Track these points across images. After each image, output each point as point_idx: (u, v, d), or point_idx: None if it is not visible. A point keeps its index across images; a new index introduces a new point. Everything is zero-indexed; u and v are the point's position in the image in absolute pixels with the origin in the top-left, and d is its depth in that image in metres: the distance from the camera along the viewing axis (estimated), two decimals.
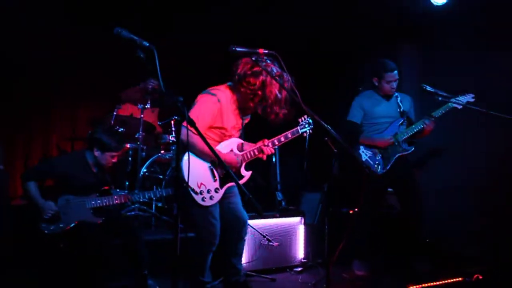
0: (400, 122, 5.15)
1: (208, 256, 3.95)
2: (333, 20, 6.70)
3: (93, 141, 4.47)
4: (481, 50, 5.64)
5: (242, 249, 4.19)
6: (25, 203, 4.41)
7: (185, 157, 3.63)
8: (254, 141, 4.05)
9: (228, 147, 3.93)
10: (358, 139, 5.16)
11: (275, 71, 3.72)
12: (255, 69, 3.73)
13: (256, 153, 3.94)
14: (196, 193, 3.75)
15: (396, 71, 5.08)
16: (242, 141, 4.02)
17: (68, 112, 6.87)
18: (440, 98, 4.83)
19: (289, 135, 4.01)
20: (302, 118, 4.04)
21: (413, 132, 5.04)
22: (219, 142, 3.91)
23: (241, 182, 3.94)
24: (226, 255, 4.11)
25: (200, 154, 3.77)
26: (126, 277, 4.41)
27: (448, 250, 5.49)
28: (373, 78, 5.21)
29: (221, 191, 3.88)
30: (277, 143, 3.97)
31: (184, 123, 3.13)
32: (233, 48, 3.56)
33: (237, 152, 3.94)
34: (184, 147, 3.59)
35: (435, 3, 5.69)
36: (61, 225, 4.23)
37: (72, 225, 4.26)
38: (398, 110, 5.19)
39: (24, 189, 4.28)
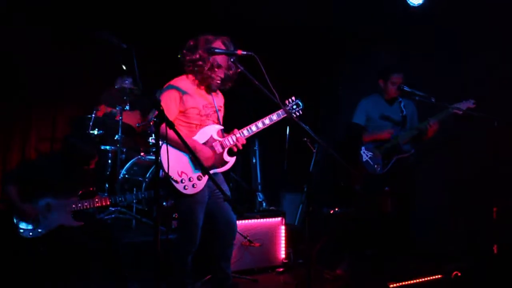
0: (402, 126, 5.20)
1: (189, 256, 3.91)
2: (309, 22, 6.74)
3: (66, 148, 4.44)
4: (457, 50, 5.73)
5: (231, 252, 4.14)
6: (3, 207, 4.34)
7: (163, 147, 3.58)
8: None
9: (208, 133, 3.92)
10: (362, 141, 5.22)
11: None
12: (191, 43, 3.86)
13: (235, 140, 3.94)
14: (176, 181, 3.73)
15: (402, 74, 5.15)
16: (221, 127, 4.00)
17: (47, 113, 6.76)
18: (417, 98, 4.91)
19: (274, 117, 3.95)
20: (289, 100, 4.02)
21: (415, 133, 5.07)
22: (198, 126, 3.91)
23: (226, 167, 3.94)
24: (215, 259, 4.06)
25: (178, 146, 3.78)
26: (105, 280, 4.37)
27: (427, 247, 5.55)
28: (379, 80, 5.27)
29: (204, 179, 3.83)
30: (254, 129, 3.95)
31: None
32: (212, 49, 3.64)
33: (217, 137, 3.93)
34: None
35: (411, 4, 5.74)
36: (40, 230, 4.17)
37: (52, 229, 4.21)
38: (401, 114, 5.24)
39: (3, 193, 4.22)
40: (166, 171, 3.55)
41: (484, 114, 4.72)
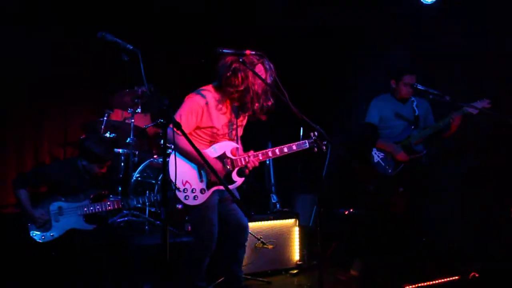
0: (413, 127, 5.14)
1: (204, 261, 3.88)
2: (325, 21, 6.70)
3: (81, 151, 4.44)
4: (470, 49, 5.64)
5: (243, 256, 4.09)
6: (18, 211, 4.36)
7: (172, 155, 3.60)
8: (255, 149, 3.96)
9: (221, 149, 3.84)
10: (375, 141, 5.16)
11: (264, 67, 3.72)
12: (234, 66, 3.68)
13: (247, 161, 3.85)
14: (178, 190, 3.68)
15: (415, 75, 5.09)
16: (237, 145, 3.91)
17: (60, 118, 6.81)
18: (431, 96, 4.85)
19: (294, 147, 3.89)
20: (313, 133, 3.88)
21: (430, 132, 5.01)
22: (212, 142, 3.83)
23: (231, 187, 3.83)
24: (226, 262, 4.02)
25: (186, 157, 3.73)
26: (117, 283, 4.37)
27: (444, 248, 5.46)
28: (391, 81, 5.22)
29: (207, 193, 3.77)
30: (270, 155, 3.86)
31: (170, 125, 3.13)
32: (220, 50, 3.57)
33: (230, 155, 3.86)
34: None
35: (424, 2, 5.67)
36: (52, 234, 4.20)
37: (64, 233, 4.22)
38: (414, 114, 5.19)
39: (15, 197, 4.24)
40: (171, 176, 3.50)
41: (498, 113, 4.63)
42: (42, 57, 6.20)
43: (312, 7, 6.54)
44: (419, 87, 4.88)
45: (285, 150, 3.89)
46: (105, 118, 5.99)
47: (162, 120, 2.80)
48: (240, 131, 3.99)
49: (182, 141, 3.58)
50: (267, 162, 6.74)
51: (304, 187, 6.77)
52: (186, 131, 3.62)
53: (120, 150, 6.09)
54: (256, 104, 3.75)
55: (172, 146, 3.64)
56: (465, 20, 5.68)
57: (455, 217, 5.73)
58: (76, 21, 6.34)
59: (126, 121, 6.18)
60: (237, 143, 3.93)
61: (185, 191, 3.71)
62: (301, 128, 6.26)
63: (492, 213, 5.33)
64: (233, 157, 3.85)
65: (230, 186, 3.80)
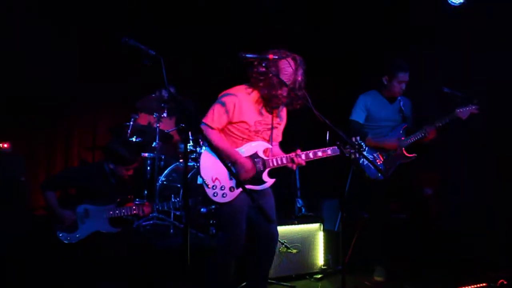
0: (403, 127, 5.07)
1: (230, 265, 3.83)
2: (344, 21, 6.66)
3: (108, 154, 4.50)
4: (497, 50, 5.54)
5: (270, 266, 4.03)
6: (46, 213, 4.45)
7: (204, 151, 3.76)
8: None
9: (253, 149, 3.84)
10: (363, 140, 5.09)
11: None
12: (260, 69, 3.73)
13: (284, 162, 3.82)
14: (207, 186, 3.71)
15: (408, 73, 5.01)
16: (269, 146, 3.90)
17: (88, 122, 6.95)
18: (458, 100, 4.79)
19: (329, 152, 3.84)
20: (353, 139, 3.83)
21: (416, 139, 4.95)
22: (245, 140, 3.83)
23: (262, 187, 3.83)
24: (252, 269, 3.96)
25: (217, 153, 3.63)
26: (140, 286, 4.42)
27: (472, 254, 5.36)
28: (383, 77, 5.10)
29: (236, 191, 3.75)
30: (311, 156, 3.82)
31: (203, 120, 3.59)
32: (243, 55, 3.59)
33: (262, 156, 3.85)
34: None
35: (451, 3, 5.60)
36: (78, 235, 4.28)
37: (89, 234, 4.29)
38: (401, 114, 5.12)
39: (43, 198, 4.33)
40: (201, 173, 3.62)
41: None
42: (69, 64, 6.33)
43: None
44: (445, 89, 4.81)
45: (319, 154, 3.83)
46: (131, 123, 6.06)
47: (183, 125, 2.81)
48: (276, 134, 3.99)
49: (213, 137, 3.70)
50: None
51: (330, 192, 6.73)
52: (219, 127, 3.76)
53: (146, 154, 6.16)
54: (279, 93, 3.74)
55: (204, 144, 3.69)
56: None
57: (485, 222, 5.62)
58: (102, 26, 6.46)
59: (152, 125, 6.25)
60: (271, 144, 3.93)
61: (214, 188, 3.73)
62: (327, 133, 6.27)
63: None
64: (265, 158, 3.85)
65: (259, 187, 3.83)
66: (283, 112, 4.04)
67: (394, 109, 5.15)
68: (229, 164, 3.71)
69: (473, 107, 4.81)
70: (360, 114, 5.14)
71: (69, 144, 6.84)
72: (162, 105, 5.96)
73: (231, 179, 3.76)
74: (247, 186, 3.78)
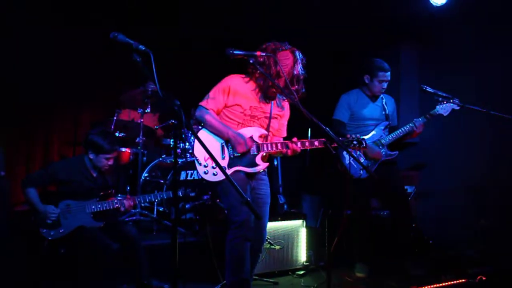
0: (385, 125, 5.14)
1: (244, 250, 3.74)
2: (332, 20, 6.69)
3: (87, 143, 4.47)
4: (481, 50, 5.63)
5: (256, 262, 4.05)
6: (28, 208, 4.40)
7: (201, 131, 3.86)
8: None
9: (249, 133, 3.87)
10: None
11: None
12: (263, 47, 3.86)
13: (279, 147, 3.81)
14: (200, 163, 3.79)
15: (389, 72, 5.07)
16: (266, 132, 3.93)
17: (69, 117, 6.86)
18: (440, 99, 4.85)
19: (316, 143, 3.83)
20: (351, 136, 3.88)
21: (400, 135, 5.01)
22: (241, 125, 3.88)
23: (254, 169, 3.84)
24: None
25: (211, 130, 3.86)
26: (126, 283, 4.39)
27: (451, 251, 5.46)
28: (364, 76, 5.15)
29: (228, 171, 3.77)
30: (307, 144, 3.82)
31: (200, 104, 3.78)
32: (231, 51, 3.60)
33: (257, 140, 3.87)
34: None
35: (434, 4, 5.67)
36: (61, 230, 4.24)
37: (72, 230, 4.26)
38: (383, 112, 5.18)
39: (24, 196, 4.28)
40: (195, 151, 3.75)
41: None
42: (51, 56, 6.25)
43: None
44: (428, 89, 4.87)
45: (316, 143, 3.82)
46: (114, 118, 6.02)
47: (173, 121, 2.80)
48: (275, 124, 4.05)
49: (207, 117, 3.83)
50: (275, 163, 6.76)
51: (312, 188, 6.77)
52: (213, 108, 3.86)
53: (129, 150, 6.12)
54: (279, 92, 3.86)
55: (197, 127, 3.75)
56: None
57: (462, 218, 5.72)
58: (87, 20, 6.39)
59: (135, 120, 6.22)
60: (268, 132, 3.96)
61: (206, 166, 3.80)
62: (309, 130, 6.30)
63: (500, 214, 5.32)
64: (259, 142, 3.88)
65: (252, 169, 3.86)
66: (285, 104, 4.10)
67: (377, 107, 5.20)
68: (224, 142, 3.84)
69: (454, 104, 4.87)
70: (344, 114, 5.18)
71: (49, 139, 6.74)
72: (146, 100, 5.92)
73: (222, 158, 3.83)
74: (240, 168, 3.84)
